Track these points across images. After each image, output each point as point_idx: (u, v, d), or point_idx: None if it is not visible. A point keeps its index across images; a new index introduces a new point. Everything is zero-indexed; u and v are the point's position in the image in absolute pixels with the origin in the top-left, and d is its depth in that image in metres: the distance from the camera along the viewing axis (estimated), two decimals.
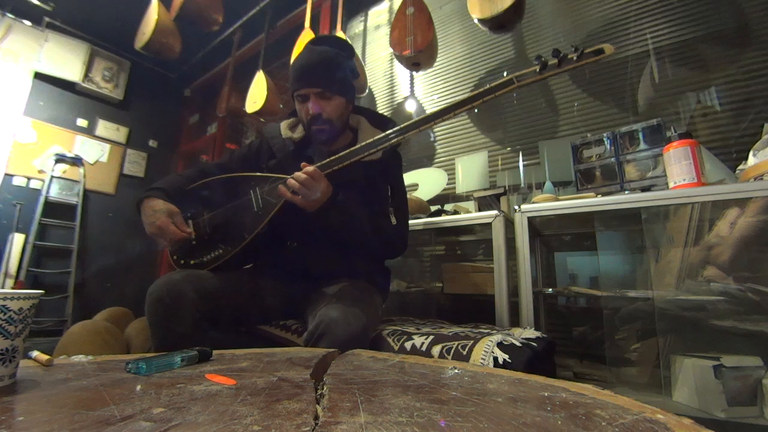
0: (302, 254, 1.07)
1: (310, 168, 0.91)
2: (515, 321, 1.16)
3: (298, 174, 0.91)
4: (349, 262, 1.06)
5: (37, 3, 3.05)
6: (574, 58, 0.85)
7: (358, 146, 0.94)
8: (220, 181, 1.07)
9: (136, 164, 3.71)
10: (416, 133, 0.93)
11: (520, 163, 1.77)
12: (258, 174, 1.02)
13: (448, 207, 1.67)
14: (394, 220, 1.07)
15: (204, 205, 1.06)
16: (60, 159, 3.16)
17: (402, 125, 0.94)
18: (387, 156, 1.07)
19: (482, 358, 0.74)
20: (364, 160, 0.98)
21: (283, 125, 1.16)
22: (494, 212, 1.26)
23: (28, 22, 3.12)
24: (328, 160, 0.95)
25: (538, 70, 0.88)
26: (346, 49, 1.11)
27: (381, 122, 1.13)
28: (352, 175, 1.02)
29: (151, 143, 3.86)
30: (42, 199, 2.99)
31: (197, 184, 1.08)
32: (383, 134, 0.95)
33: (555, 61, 0.86)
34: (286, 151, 1.10)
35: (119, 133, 3.62)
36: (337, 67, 1.03)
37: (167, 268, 1.07)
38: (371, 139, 0.95)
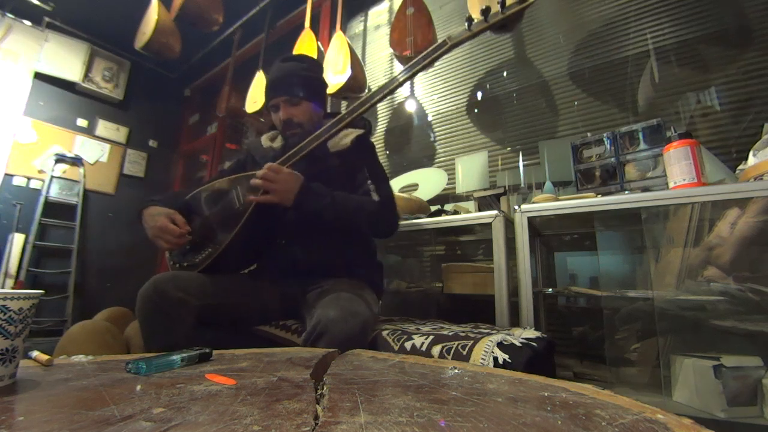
0: (292, 251, 1.09)
1: (268, 164, 0.98)
2: (515, 321, 1.16)
3: (258, 173, 0.97)
4: (339, 256, 1.09)
5: (37, 3, 3.05)
6: (500, 10, 0.91)
7: (311, 136, 1.03)
8: (208, 188, 1.13)
9: (136, 164, 3.71)
10: (360, 113, 1.03)
11: (520, 163, 1.77)
12: (238, 175, 1.09)
13: (448, 207, 1.66)
14: (376, 197, 1.09)
15: (195, 212, 1.11)
16: (60, 159, 3.15)
17: (346, 111, 1.05)
18: (357, 143, 1.14)
19: (482, 358, 0.74)
20: (333, 150, 1.09)
21: (264, 138, 1.26)
22: (494, 212, 1.26)
23: (28, 22, 3.12)
24: (288, 153, 1.03)
25: (467, 26, 0.95)
26: (311, 62, 1.24)
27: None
28: (325, 165, 1.10)
29: (151, 143, 3.86)
30: (42, 199, 2.98)
31: (189, 195, 1.14)
32: (333, 120, 1.03)
33: (482, 18, 0.93)
34: (268, 158, 1.16)
35: (119, 133, 3.62)
36: (302, 76, 1.15)
37: (167, 268, 1.10)
38: (323, 128, 1.03)
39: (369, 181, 1.10)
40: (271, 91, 1.15)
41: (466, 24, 0.94)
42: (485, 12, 0.92)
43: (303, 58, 1.23)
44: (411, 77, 1.01)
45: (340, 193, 1.02)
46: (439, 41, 0.99)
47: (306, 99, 1.14)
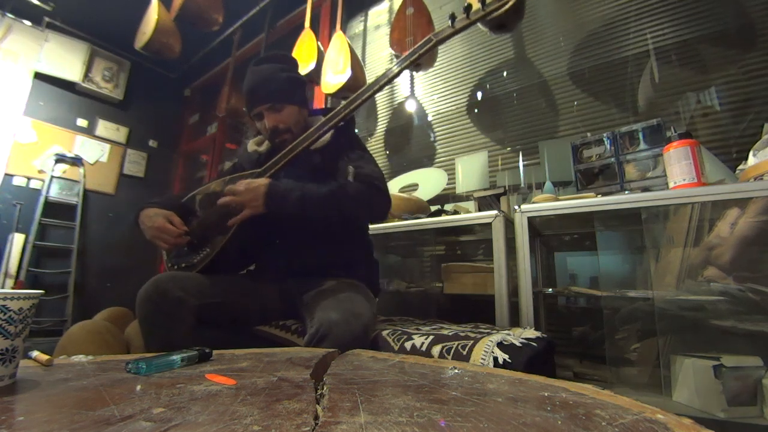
0: (288, 251, 1.09)
1: (227, 187, 0.98)
2: (515, 321, 1.16)
3: (221, 198, 0.97)
4: (335, 255, 1.08)
5: (37, 3, 3.05)
6: (480, 8, 0.95)
7: (295, 142, 1.02)
8: (203, 190, 1.13)
9: (136, 164, 3.71)
10: (347, 114, 1.03)
11: (520, 163, 1.77)
12: (231, 176, 1.10)
13: (448, 207, 1.67)
14: (350, 178, 1.04)
15: (191, 213, 1.11)
16: (60, 159, 3.15)
17: (333, 113, 1.04)
18: (336, 135, 1.11)
19: (482, 358, 0.74)
20: (315, 147, 1.06)
21: (250, 143, 1.25)
22: (494, 212, 1.26)
23: (28, 22, 3.12)
24: (271, 161, 1.03)
25: (451, 23, 0.98)
26: (287, 61, 1.18)
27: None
28: (309, 165, 1.09)
29: (151, 143, 3.86)
30: (42, 199, 2.98)
31: (185, 198, 1.14)
32: (320, 123, 1.02)
33: (464, 15, 0.97)
34: (253, 163, 1.16)
35: (119, 133, 3.62)
36: (280, 79, 1.09)
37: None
38: (308, 131, 1.02)
39: (350, 166, 1.05)
40: (251, 99, 1.09)
41: (450, 21, 0.98)
42: (467, 9, 0.95)
43: (277, 58, 1.17)
44: (398, 75, 1.03)
45: (312, 184, 0.97)
46: (425, 39, 1.01)
47: (289, 103, 1.09)
